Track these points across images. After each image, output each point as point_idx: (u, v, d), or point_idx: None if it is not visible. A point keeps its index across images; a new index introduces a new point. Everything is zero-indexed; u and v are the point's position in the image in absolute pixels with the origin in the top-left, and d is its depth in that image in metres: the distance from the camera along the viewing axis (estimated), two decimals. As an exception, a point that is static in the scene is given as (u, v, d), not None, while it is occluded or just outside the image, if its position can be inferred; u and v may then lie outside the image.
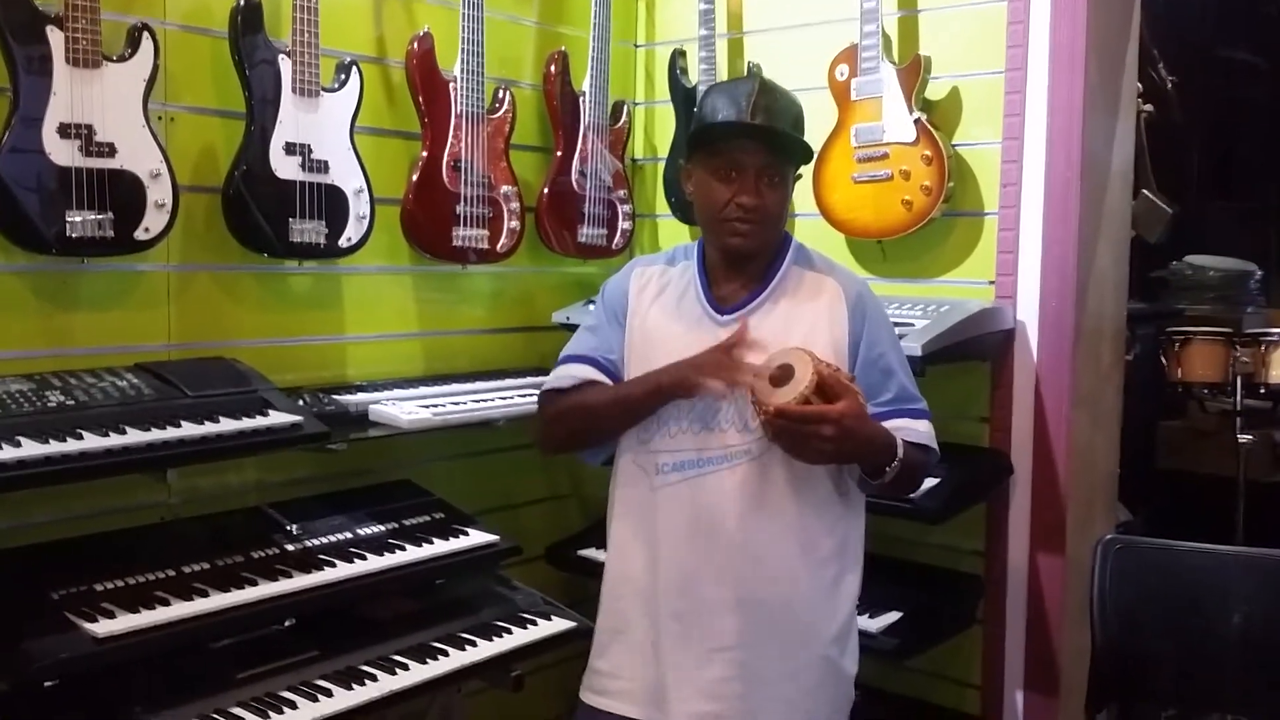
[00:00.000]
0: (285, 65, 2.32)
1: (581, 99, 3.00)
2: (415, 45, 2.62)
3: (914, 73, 2.68)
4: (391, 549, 2.24)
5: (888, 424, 1.79)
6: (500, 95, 2.79)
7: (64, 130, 2.02)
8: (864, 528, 1.92)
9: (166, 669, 1.88)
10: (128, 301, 2.25)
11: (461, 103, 2.66)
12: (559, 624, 2.33)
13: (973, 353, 2.59)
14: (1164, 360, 3.98)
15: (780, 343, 1.75)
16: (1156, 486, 4.36)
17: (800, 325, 1.82)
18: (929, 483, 2.28)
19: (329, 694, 1.94)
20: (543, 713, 2.94)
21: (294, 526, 2.22)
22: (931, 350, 2.35)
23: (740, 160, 1.79)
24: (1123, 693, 2.34)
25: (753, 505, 1.79)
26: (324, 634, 2.08)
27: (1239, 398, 3.79)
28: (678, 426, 1.83)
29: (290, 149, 2.33)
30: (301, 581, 2.04)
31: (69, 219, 2.03)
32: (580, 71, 3.00)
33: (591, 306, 2.73)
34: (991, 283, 2.69)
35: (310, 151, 2.36)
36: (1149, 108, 4.20)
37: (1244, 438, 3.78)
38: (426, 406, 2.44)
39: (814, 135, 2.03)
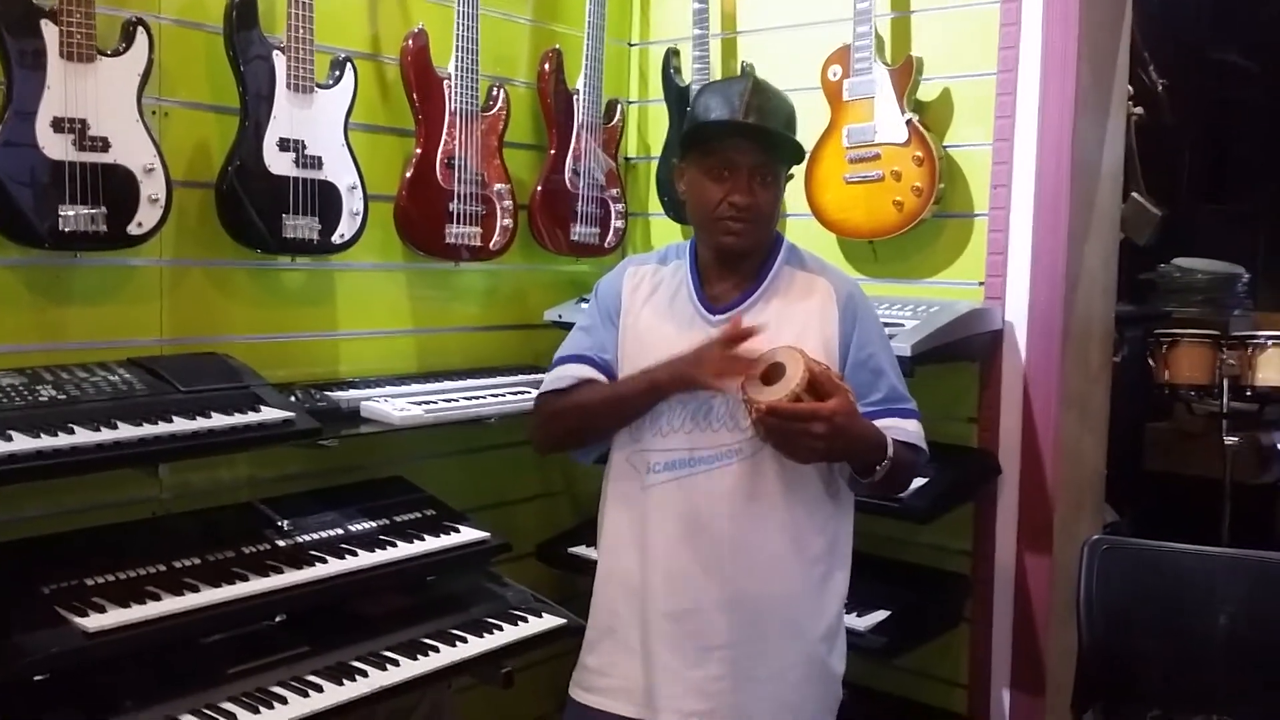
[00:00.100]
0: (280, 61, 2.32)
1: (575, 97, 3.00)
2: (410, 42, 2.63)
3: (906, 74, 2.69)
4: (383, 545, 2.24)
5: (877, 423, 1.80)
6: (494, 93, 2.80)
7: (58, 124, 2.01)
8: (853, 527, 1.93)
9: (157, 664, 1.88)
10: (120, 296, 2.25)
11: (456, 100, 2.66)
12: (549, 621, 2.34)
13: (962, 353, 2.60)
14: (1151, 362, 4.00)
15: (772, 342, 1.76)
16: (1143, 488, 4.38)
17: (792, 325, 1.83)
18: (917, 482, 2.29)
19: (319, 689, 1.95)
20: (533, 709, 2.95)
21: (285, 522, 2.23)
22: (921, 351, 2.37)
23: (733, 159, 1.79)
24: (1109, 692, 2.36)
25: (744, 504, 1.80)
26: (315, 630, 2.09)
27: (1225, 400, 3.81)
28: (669, 425, 1.84)
29: (284, 145, 2.34)
30: (293, 577, 2.04)
31: (62, 213, 2.03)
32: (574, 70, 3.01)
33: (584, 305, 2.74)
34: (981, 284, 2.71)
35: (304, 147, 2.36)
36: (1139, 110, 4.21)
37: (1230, 440, 3.80)
38: (418, 403, 2.44)
39: (806, 135, 2.04)
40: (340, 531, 2.26)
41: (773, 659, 1.82)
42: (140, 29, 2.13)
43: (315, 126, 2.38)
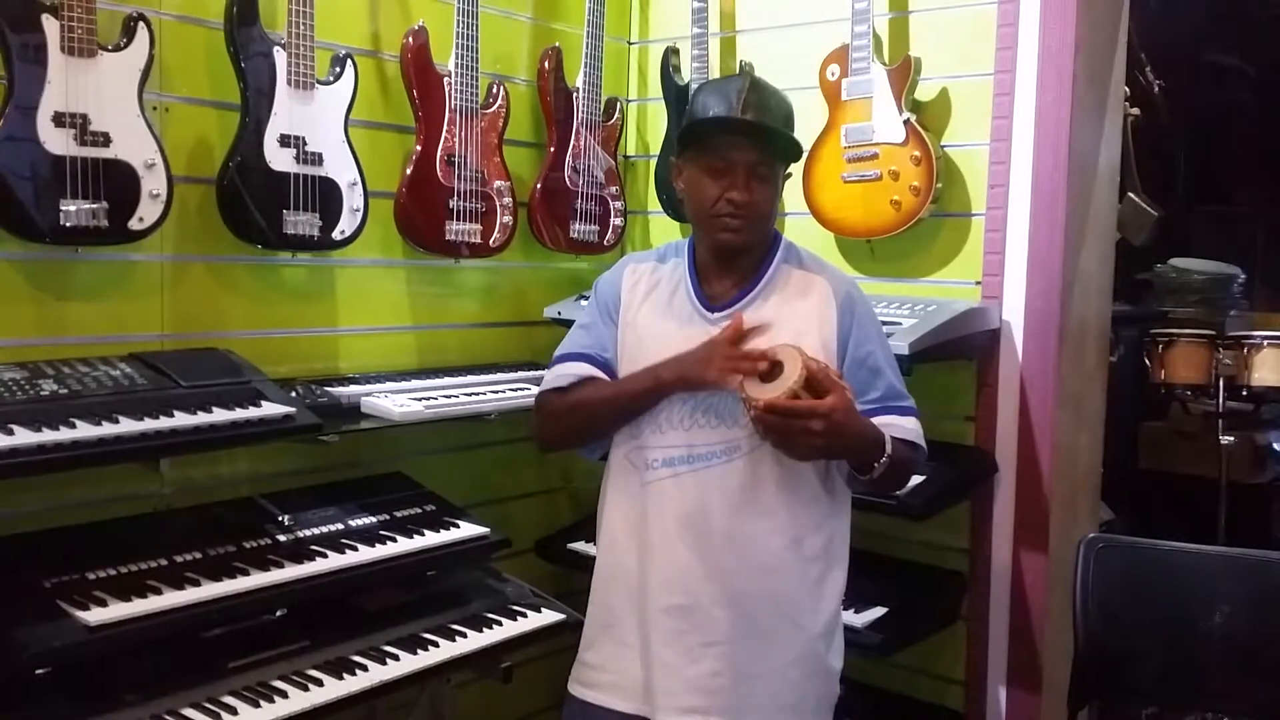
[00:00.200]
0: (280, 57, 2.33)
1: (575, 95, 3.01)
2: (410, 39, 2.63)
3: (904, 74, 2.70)
4: (383, 540, 2.25)
5: (876, 421, 1.81)
6: (494, 90, 2.80)
7: (59, 119, 2.02)
8: (850, 525, 1.94)
9: (158, 658, 1.89)
10: (122, 291, 2.25)
11: (456, 97, 2.67)
12: (548, 616, 2.35)
13: (959, 352, 2.61)
14: (1147, 362, 4.01)
15: (770, 340, 1.76)
16: (1139, 487, 4.40)
17: (790, 323, 1.83)
18: (915, 480, 2.30)
19: (320, 684, 1.96)
20: (531, 704, 2.96)
21: (286, 517, 2.23)
22: (918, 349, 2.37)
23: (730, 156, 1.79)
24: (1104, 690, 2.37)
25: (742, 501, 1.81)
26: (315, 624, 2.10)
27: (1221, 400, 3.83)
28: (668, 422, 1.84)
29: (285, 141, 2.34)
30: (293, 572, 2.05)
31: (63, 208, 2.03)
32: (574, 68, 3.01)
33: (583, 302, 2.75)
34: (978, 283, 2.72)
35: (304, 144, 2.37)
36: (1136, 111, 4.23)
37: (1226, 439, 3.82)
38: (418, 399, 2.45)
39: (804, 135, 2.05)
40: (340, 527, 2.27)
41: (771, 655, 1.82)
42: (141, 24, 2.13)
43: (316, 123, 2.39)
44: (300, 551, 2.13)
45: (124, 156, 2.10)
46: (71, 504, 2.13)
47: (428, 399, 2.47)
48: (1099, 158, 2.81)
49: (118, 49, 2.11)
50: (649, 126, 3.34)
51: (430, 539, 2.30)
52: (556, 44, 3.00)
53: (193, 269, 2.36)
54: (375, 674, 2.02)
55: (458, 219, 2.71)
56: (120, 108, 2.10)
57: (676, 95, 3.09)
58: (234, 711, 1.83)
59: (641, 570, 1.86)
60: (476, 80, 2.69)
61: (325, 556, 2.13)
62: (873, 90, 2.73)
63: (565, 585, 2.85)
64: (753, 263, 1.89)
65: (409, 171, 2.64)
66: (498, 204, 2.79)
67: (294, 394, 2.27)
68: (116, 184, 2.09)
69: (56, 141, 2.02)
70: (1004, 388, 2.68)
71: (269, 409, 2.10)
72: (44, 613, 1.77)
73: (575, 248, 3.07)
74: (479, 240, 2.76)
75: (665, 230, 3.25)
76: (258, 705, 1.86)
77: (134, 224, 2.13)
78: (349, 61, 2.47)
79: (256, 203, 2.32)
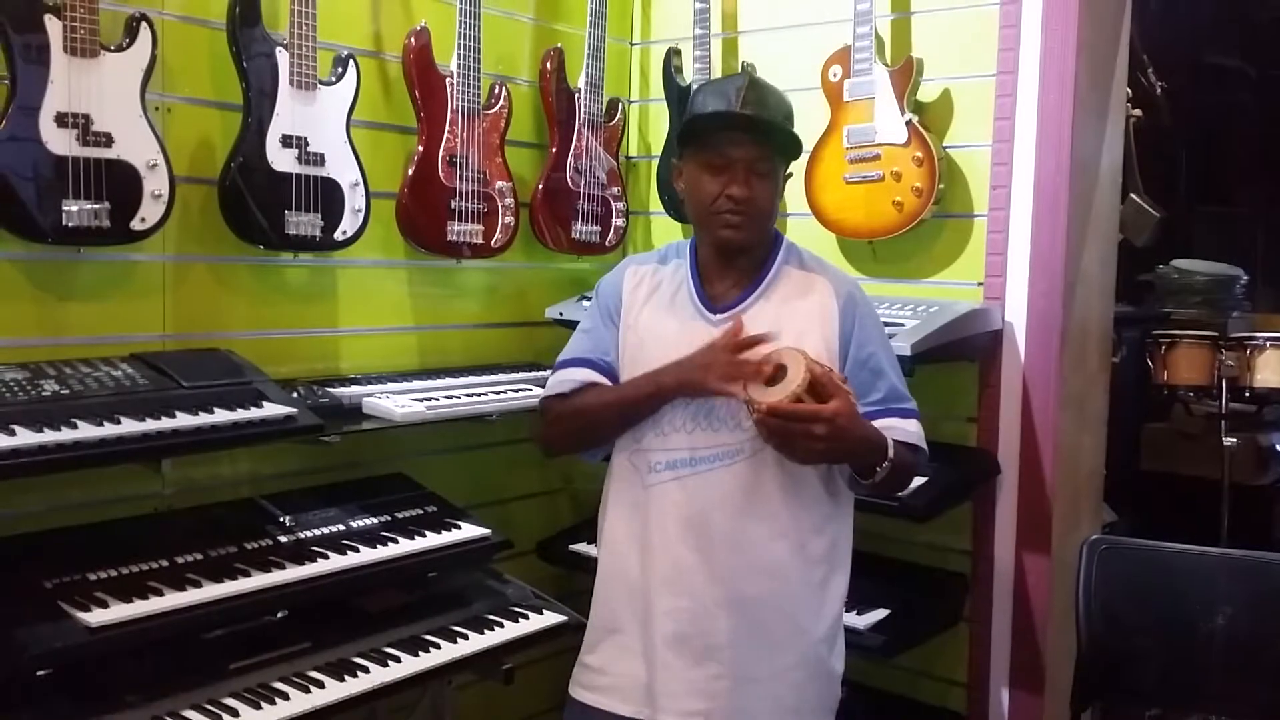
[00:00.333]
0: (283, 58, 2.33)
1: (577, 96, 3.01)
2: (412, 40, 2.63)
3: (906, 75, 2.70)
4: (384, 542, 2.24)
5: (877, 423, 1.80)
6: (496, 91, 2.80)
7: (61, 119, 2.02)
8: (852, 528, 1.93)
9: (159, 659, 1.88)
10: (123, 291, 2.25)
11: (457, 98, 2.67)
12: (550, 618, 2.35)
13: (961, 353, 2.61)
14: (1150, 363, 4.01)
15: (772, 342, 1.76)
16: (1142, 488, 4.39)
17: (792, 324, 1.83)
18: (917, 481, 2.29)
19: (321, 685, 1.95)
20: (532, 706, 2.96)
21: (287, 518, 2.23)
22: (920, 350, 2.37)
23: (729, 153, 1.79)
24: (1107, 691, 2.37)
25: (744, 504, 1.80)
26: (316, 625, 2.09)
27: (1224, 401, 3.82)
28: (671, 425, 1.84)
29: (287, 141, 2.34)
30: (294, 573, 2.04)
31: (65, 208, 2.03)
32: (576, 69, 3.01)
33: (585, 303, 2.75)
34: (980, 284, 2.72)
35: (306, 144, 2.37)
36: (1138, 112, 4.23)
37: (1229, 441, 3.81)
38: (420, 400, 2.44)
39: (806, 136, 2.04)
40: (342, 527, 2.26)
41: (773, 659, 1.82)
42: (144, 24, 2.13)
43: (318, 123, 2.39)
44: (301, 553, 2.12)
45: (126, 157, 2.10)
46: (73, 504, 2.12)
47: (429, 400, 2.47)
48: (1101, 159, 2.81)
49: (120, 49, 2.11)
50: (651, 127, 3.34)
51: (431, 540, 2.30)
52: (558, 45, 3.00)
53: (194, 269, 2.36)
54: (376, 676, 2.02)
55: (459, 219, 2.71)
56: (122, 108, 2.10)
57: (678, 96, 3.09)
58: (235, 713, 1.83)
59: (643, 573, 1.85)
60: (478, 81, 2.69)
61: (326, 558, 2.13)
62: (875, 91, 2.72)
63: (567, 587, 2.85)
64: (754, 263, 1.88)
65: (411, 172, 2.64)
66: (499, 204, 2.79)
67: (295, 395, 2.27)
68: (118, 184, 2.09)
69: (59, 142, 2.02)
70: (1006, 389, 2.68)
71: (270, 410, 2.10)
72: (45, 613, 1.77)
73: (577, 248, 3.07)
74: (481, 241, 2.76)
75: (667, 231, 3.25)
76: (259, 707, 1.85)
77: (136, 224, 2.13)
78: (351, 62, 2.46)
79: (258, 203, 2.32)
